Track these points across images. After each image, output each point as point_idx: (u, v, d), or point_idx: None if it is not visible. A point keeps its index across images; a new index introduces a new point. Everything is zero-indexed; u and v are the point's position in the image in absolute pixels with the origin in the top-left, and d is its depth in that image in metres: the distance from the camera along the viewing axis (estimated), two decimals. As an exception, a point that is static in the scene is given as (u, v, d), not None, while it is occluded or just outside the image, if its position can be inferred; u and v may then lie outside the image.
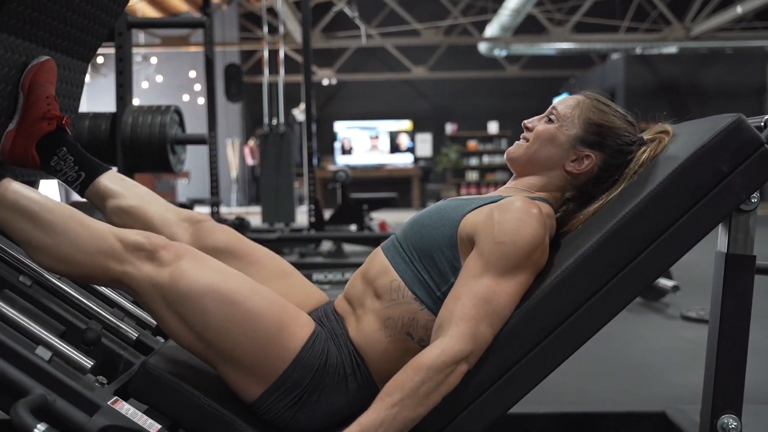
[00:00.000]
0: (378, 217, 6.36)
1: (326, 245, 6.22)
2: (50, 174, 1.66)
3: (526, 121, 1.57)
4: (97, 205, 1.70)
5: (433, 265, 1.41)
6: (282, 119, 6.08)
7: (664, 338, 3.21)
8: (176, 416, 1.36)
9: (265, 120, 6.03)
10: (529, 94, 14.08)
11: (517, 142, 1.57)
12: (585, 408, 2.02)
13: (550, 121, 1.53)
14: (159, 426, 1.29)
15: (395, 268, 1.44)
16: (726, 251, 1.39)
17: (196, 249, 1.47)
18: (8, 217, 1.40)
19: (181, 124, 3.28)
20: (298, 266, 4.93)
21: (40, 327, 1.35)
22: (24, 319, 1.34)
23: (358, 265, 4.81)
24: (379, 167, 12.88)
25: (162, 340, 1.67)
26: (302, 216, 6.69)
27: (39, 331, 1.33)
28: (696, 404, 1.60)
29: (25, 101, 1.62)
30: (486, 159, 16.82)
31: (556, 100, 1.59)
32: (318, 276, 4.41)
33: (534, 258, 1.35)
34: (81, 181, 1.64)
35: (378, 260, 1.48)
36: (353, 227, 6.31)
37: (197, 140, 3.13)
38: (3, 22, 1.46)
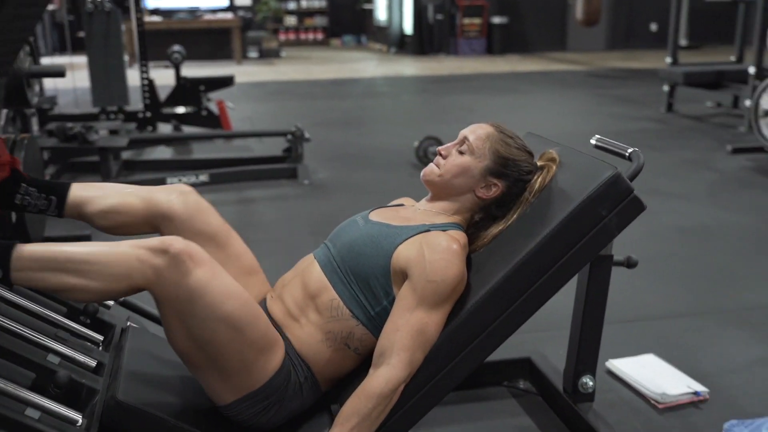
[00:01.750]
0: (216, 97, 6.28)
1: (165, 128, 6.13)
2: (18, 211, 1.68)
3: (440, 149, 1.79)
4: (78, 218, 1.76)
5: (369, 289, 1.66)
6: (106, -6, 5.68)
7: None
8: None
9: (88, -4, 5.61)
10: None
11: (431, 165, 1.80)
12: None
13: (461, 151, 1.76)
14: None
15: (334, 287, 1.67)
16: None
17: (190, 229, 1.68)
18: (36, 276, 1.46)
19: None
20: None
21: (13, 384, 1.44)
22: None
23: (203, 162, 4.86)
24: (197, 17, 12.28)
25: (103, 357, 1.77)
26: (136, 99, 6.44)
27: (17, 391, 1.43)
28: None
29: None
30: (304, 2, 16.46)
31: (466, 129, 1.80)
32: (172, 180, 4.44)
33: (458, 290, 1.63)
34: (55, 205, 1.69)
35: (316, 276, 1.70)
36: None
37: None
38: None
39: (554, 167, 1.78)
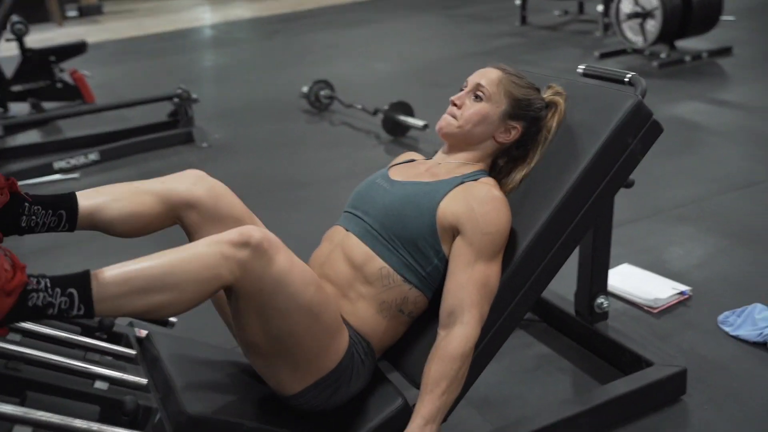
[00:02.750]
0: (69, 66, 5.78)
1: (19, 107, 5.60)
2: (26, 233, 1.47)
3: (454, 98, 1.76)
4: (92, 228, 1.59)
5: (417, 251, 1.63)
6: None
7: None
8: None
9: None
10: None
11: (445, 117, 1.75)
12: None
13: (477, 98, 1.73)
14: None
15: (380, 255, 1.63)
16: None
17: (216, 215, 1.60)
18: (123, 303, 1.31)
19: None
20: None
21: (81, 421, 1.32)
22: (65, 421, 1.29)
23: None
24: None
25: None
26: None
27: (97, 427, 1.31)
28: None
29: None
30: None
31: (475, 74, 1.77)
32: (60, 164, 4.10)
33: (508, 235, 1.63)
34: (66, 220, 1.51)
35: (357, 248, 1.64)
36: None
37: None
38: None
39: (562, 101, 1.79)
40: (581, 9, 7.60)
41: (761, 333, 2.06)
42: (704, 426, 1.79)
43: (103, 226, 1.57)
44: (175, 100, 4.56)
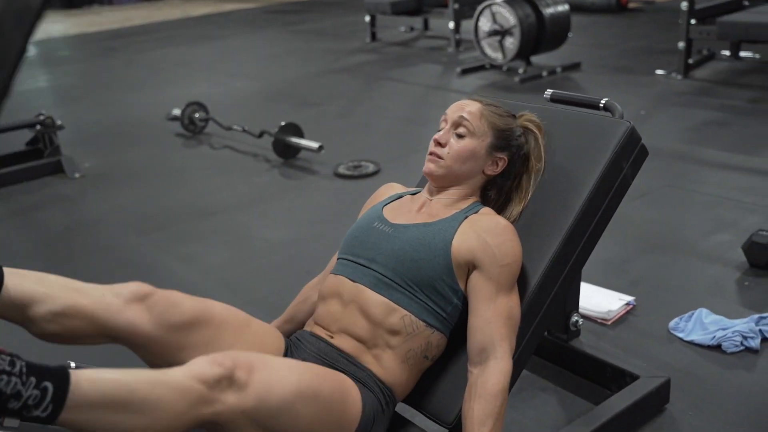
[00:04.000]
0: None
1: None
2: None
3: (437, 137, 1.71)
4: (14, 321, 1.38)
5: (436, 293, 1.59)
6: None
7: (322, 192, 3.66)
8: None
9: None
10: None
11: (431, 158, 1.70)
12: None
13: (461, 135, 1.70)
14: None
15: (399, 304, 1.57)
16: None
17: (167, 332, 1.44)
18: (91, 417, 1.13)
19: None
20: None
21: None
22: None
23: None
24: None
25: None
26: None
27: None
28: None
29: None
30: None
31: (453, 108, 1.74)
32: None
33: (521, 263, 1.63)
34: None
35: (374, 299, 1.58)
36: None
37: None
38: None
39: (535, 128, 1.79)
40: (426, 25, 7.83)
41: (714, 336, 2.21)
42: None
43: (31, 320, 1.39)
44: (38, 127, 4.16)
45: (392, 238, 1.63)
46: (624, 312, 2.42)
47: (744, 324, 2.24)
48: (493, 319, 1.55)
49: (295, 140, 4.08)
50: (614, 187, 1.75)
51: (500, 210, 1.77)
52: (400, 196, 1.81)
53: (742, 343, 2.19)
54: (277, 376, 1.34)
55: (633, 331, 2.33)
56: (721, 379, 2.08)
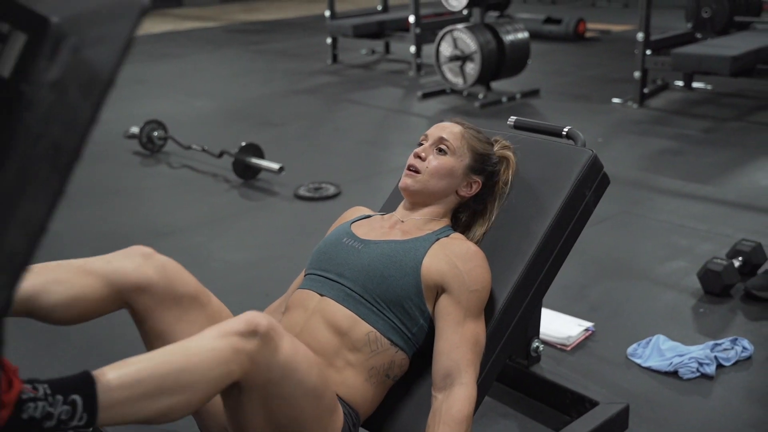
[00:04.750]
0: None
1: None
2: None
3: (418, 151, 1.73)
4: (28, 315, 1.39)
5: (404, 312, 1.58)
6: None
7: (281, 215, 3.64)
8: None
9: None
10: None
11: (409, 173, 1.72)
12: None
13: (441, 151, 1.72)
14: None
15: (365, 319, 1.56)
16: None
17: (170, 296, 1.46)
18: (130, 410, 1.14)
19: None
20: None
21: None
22: None
23: None
24: None
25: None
26: None
27: None
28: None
29: None
30: None
31: (435, 127, 1.76)
32: None
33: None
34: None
35: (340, 313, 1.57)
36: None
37: None
38: None
39: (512, 155, 1.83)
40: (388, 49, 7.88)
41: (671, 363, 2.24)
42: (654, 458, 1.90)
43: (41, 312, 1.37)
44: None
45: (362, 253, 1.63)
46: (583, 338, 2.44)
47: (700, 350, 2.28)
48: (460, 344, 1.54)
49: (255, 161, 4.05)
50: (577, 215, 1.77)
51: (463, 231, 1.78)
52: (368, 216, 1.81)
53: (698, 370, 2.22)
54: (303, 358, 1.34)
55: (592, 357, 2.35)
56: (678, 404, 2.10)
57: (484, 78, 5.67)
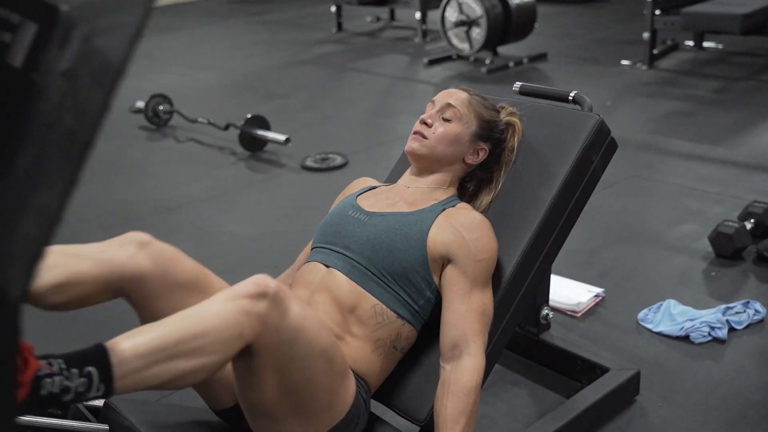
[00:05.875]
0: None
1: None
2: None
3: (424, 117, 1.71)
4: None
5: (410, 284, 1.57)
6: None
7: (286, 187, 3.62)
8: None
9: None
10: None
11: (415, 137, 1.70)
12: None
13: (446, 118, 1.70)
14: None
15: (371, 292, 1.56)
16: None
17: (167, 284, 1.43)
18: (146, 376, 1.15)
19: None
20: None
21: None
22: None
23: None
24: None
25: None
26: None
27: None
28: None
29: None
30: None
31: (442, 94, 1.74)
32: None
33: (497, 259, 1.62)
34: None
35: (345, 286, 1.56)
36: None
37: None
38: None
39: (518, 121, 1.81)
40: (393, 16, 7.79)
41: (682, 327, 2.22)
42: (665, 423, 1.89)
43: (33, 296, 1.34)
44: None
45: (368, 225, 1.61)
46: (593, 304, 2.43)
47: (711, 314, 2.26)
48: (467, 315, 1.53)
49: (261, 133, 4.03)
50: (584, 181, 1.74)
51: (470, 200, 1.76)
52: (374, 187, 1.80)
53: (709, 334, 2.20)
54: (313, 320, 1.35)
55: (602, 323, 2.34)
56: (690, 369, 2.09)
57: (491, 43, 5.60)
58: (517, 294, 1.68)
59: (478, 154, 1.73)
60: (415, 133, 1.70)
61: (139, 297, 1.43)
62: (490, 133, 1.74)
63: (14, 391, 0.97)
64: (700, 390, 2.00)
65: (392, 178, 1.91)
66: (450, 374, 1.51)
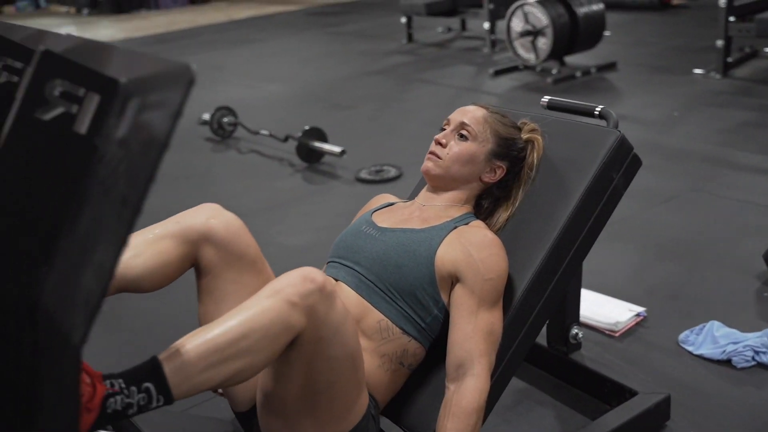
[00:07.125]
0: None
1: None
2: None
3: (439, 137, 1.71)
4: (119, 291, 1.50)
5: (417, 302, 1.57)
6: None
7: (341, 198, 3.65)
8: None
9: None
10: None
11: (430, 157, 1.70)
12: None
13: (462, 137, 1.69)
14: None
15: (376, 307, 1.56)
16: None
17: (232, 253, 1.55)
18: (200, 381, 1.22)
19: None
20: None
21: None
22: None
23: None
24: None
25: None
26: None
27: None
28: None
29: None
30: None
31: (457, 112, 1.73)
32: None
33: (507, 279, 1.59)
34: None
35: (352, 300, 1.57)
36: None
37: None
38: None
39: (540, 138, 1.78)
40: (464, 26, 7.77)
41: (724, 351, 2.13)
42: (695, 451, 1.82)
43: (131, 287, 1.49)
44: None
45: (378, 241, 1.62)
46: (633, 323, 2.36)
47: (757, 338, 2.16)
48: (473, 335, 1.52)
49: (317, 145, 4.08)
50: (604, 199, 1.70)
51: (487, 217, 1.74)
52: (391, 204, 1.80)
53: (753, 358, 2.11)
54: (351, 323, 1.39)
55: (641, 344, 2.27)
56: (728, 395, 2.00)
57: (557, 52, 5.51)
58: (530, 313, 1.64)
59: (495, 172, 1.71)
60: (430, 153, 1.70)
61: (206, 259, 1.54)
62: (508, 151, 1.72)
63: (80, 416, 1.09)
64: (737, 417, 1.92)
65: (414, 195, 1.91)
66: (453, 394, 1.50)
